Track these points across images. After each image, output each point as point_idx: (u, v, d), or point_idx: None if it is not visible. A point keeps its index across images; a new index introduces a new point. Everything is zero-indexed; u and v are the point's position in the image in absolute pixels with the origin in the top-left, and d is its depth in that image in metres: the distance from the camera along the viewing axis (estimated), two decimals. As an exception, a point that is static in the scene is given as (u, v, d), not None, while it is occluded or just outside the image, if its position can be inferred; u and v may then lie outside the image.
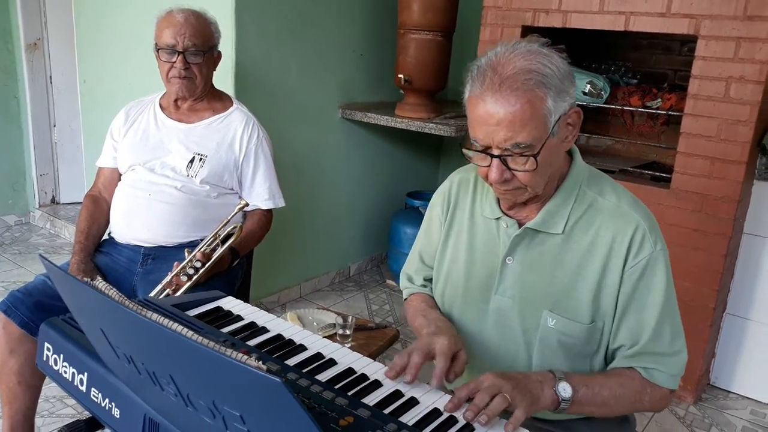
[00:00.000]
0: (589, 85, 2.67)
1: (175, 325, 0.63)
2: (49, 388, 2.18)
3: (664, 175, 2.54)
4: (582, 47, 2.94)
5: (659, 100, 2.66)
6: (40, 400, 1.84)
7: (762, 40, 2.17)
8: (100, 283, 0.73)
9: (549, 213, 1.17)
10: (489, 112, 1.04)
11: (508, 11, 2.72)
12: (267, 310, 1.31)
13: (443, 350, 1.08)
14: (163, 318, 0.65)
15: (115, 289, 0.72)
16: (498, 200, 1.23)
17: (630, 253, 1.13)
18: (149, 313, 0.66)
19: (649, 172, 2.65)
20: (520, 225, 1.20)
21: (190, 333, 0.62)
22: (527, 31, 2.69)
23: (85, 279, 0.73)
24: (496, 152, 1.07)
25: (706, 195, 2.36)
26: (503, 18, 2.74)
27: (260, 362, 0.58)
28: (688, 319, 2.40)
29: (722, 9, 2.22)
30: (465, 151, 1.12)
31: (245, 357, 0.57)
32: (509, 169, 1.08)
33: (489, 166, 1.09)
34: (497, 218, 1.23)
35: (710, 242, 2.38)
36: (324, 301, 3.24)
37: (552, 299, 1.17)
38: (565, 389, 1.06)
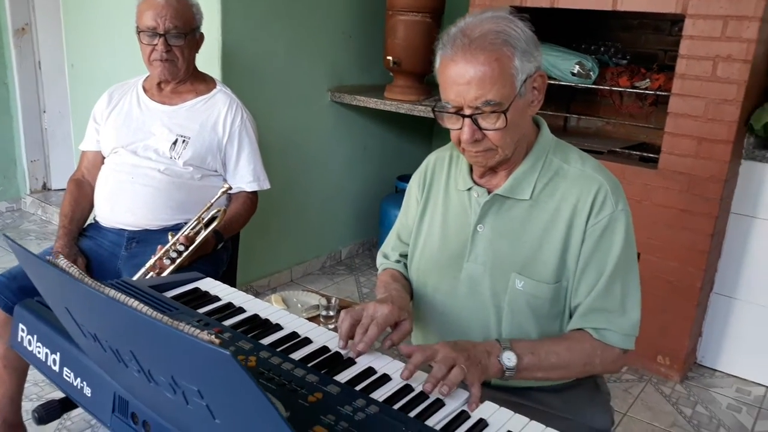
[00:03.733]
0: (577, 66, 2.65)
1: (131, 300, 0.63)
2: (36, 372, 2.19)
3: (652, 155, 2.54)
4: (571, 28, 2.92)
5: (648, 80, 2.65)
6: (29, 385, 1.85)
7: (749, 18, 2.16)
8: (61, 261, 0.73)
9: (516, 180, 1.21)
10: (460, 72, 1.09)
11: (496, -9, 2.69)
12: (257, 294, 1.31)
13: (379, 321, 1.10)
14: (119, 294, 0.65)
15: (75, 267, 0.72)
16: (470, 171, 1.27)
17: (592, 212, 1.17)
18: (106, 290, 0.66)
19: (638, 153, 2.64)
20: (490, 193, 1.23)
21: (145, 308, 0.62)
22: (516, 12, 2.66)
23: (48, 258, 0.73)
24: (467, 112, 1.11)
25: (693, 175, 2.36)
26: (491, -2, 2.72)
27: (213, 336, 0.58)
28: (674, 299, 2.43)
29: (710, -13, 2.21)
30: (437, 113, 1.16)
31: (196, 331, 0.58)
32: (480, 129, 1.12)
33: (461, 128, 1.13)
34: (469, 189, 1.26)
35: (697, 222, 2.38)
36: (314, 285, 3.24)
37: (520, 262, 1.20)
38: (509, 358, 1.09)
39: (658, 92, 2.58)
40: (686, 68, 2.32)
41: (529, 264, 1.20)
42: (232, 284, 1.61)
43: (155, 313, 0.61)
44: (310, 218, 3.32)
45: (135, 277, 1.72)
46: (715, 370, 2.63)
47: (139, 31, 1.93)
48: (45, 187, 4.12)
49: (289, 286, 3.22)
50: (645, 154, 2.60)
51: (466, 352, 1.04)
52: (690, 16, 2.27)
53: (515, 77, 1.10)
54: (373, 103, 3.10)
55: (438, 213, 1.33)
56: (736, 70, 2.22)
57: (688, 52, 2.31)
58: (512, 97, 1.10)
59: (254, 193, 2.07)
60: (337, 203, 3.48)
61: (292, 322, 1.19)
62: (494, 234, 1.23)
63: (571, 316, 1.22)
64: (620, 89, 2.70)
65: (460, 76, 1.09)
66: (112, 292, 0.65)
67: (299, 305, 1.88)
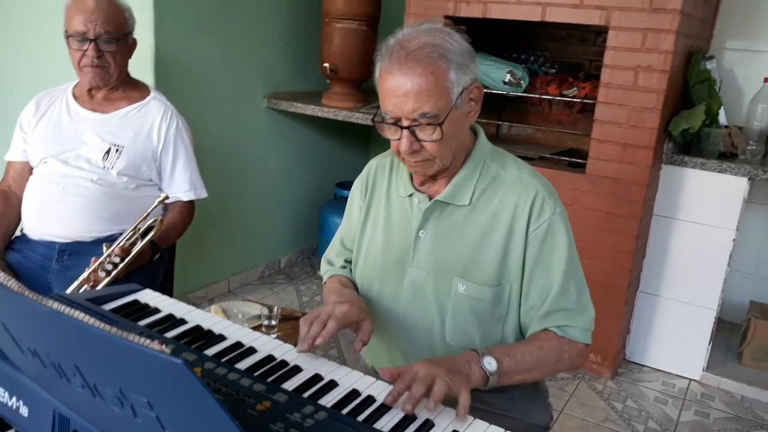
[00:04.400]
0: (509, 75, 2.74)
1: (76, 312, 0.62)
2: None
3: (580, 161, 2.65)
4: (503, 38, 3.01)
5: (575, 88, 2.76)
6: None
7: (666, 32, 2.29)
8: (-3, 274, 0.71)
9: (456, 186, 1.24)
10: (397, 84, 1.11)
11: (431, 1, 2.75)
12: (194, 306, 1.29)
13: (337, 315, 1.13)
14: (63, 306, 0.63)
15: (13, 280, 0.69)
16: (411, 178, 1.29)
17: (532, 217, 1.21)
18: (49, 302, 0.64)
19: (567, 159, 2.75)
20: (431, 199, 1.26)
21: (91, 320, 0.61)
22: (449, 21, 2.73)
23: (-18, 271, 0.70)
24: (405, 123, 1.14)
25: (618, 179, 2.48)
26: (426, 8, 2.77)
27: (163, 346, 0.57)
28: (604, 298, 2.54)
29: (630, 1, 2.33)
30: (377, 123, 1.18)
31: (147, 341, 0.57)
32: (418, 140, 1.15)
33: (399, 138, 1.15)
34: (410, 195, 1.29)
35: (622, 224, 2.50)
36: (253, 295, 3.20)
37: (461, 266, 1.23)
38: (490, 363, 1.11)
39: (584, 100, 2.70)
40: (610, 77, 2.44)
41: (469, 268, 1.23)
42: (169, 296, 1.57)
43: (103, 324, 0.60)
44: (247, 227, 3.28)
45: (68, 291, 1.66)
46: (643, 365, 2.76)
47: (67, 36, 1.86)
48: (-38, 199, 3.89)
49: (227, 297, 3.16)
50: (573, 160, 2.71)
51: (446, 366, 1.04)
52: (613, 28, 2.39)
53: (451, 90, 1.12)
54: (310, 110, 3.11)
55: (380, 219, 1.35)
56: (656, 79, 2.35)
57: (612, 62, 2.43)
58: (448, 109, 1.13)
59: (191, 202, 2.03)
60: (275, 211, 3.45)
61: (235, 332, 1.17)
62: (436, 239, 1.26)
63: (519, 320, 1.25)
64: (549, 97, 2.81)
65: (398, 87, 1.11)
66: (56, 305, 0.64)
67: (240, 315, 1.85)
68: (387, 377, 1.03)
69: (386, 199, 1.35)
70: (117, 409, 0.70)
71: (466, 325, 1.24)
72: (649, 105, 2.37)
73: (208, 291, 3.10)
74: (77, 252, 1.84)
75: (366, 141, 3.93)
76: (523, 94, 2.80)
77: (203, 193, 2.05)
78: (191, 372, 0.55)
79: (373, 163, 1.42)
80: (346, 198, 3.68)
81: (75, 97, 1.98)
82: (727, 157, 2.56)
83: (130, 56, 1.99)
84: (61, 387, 0.77)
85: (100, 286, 1.67)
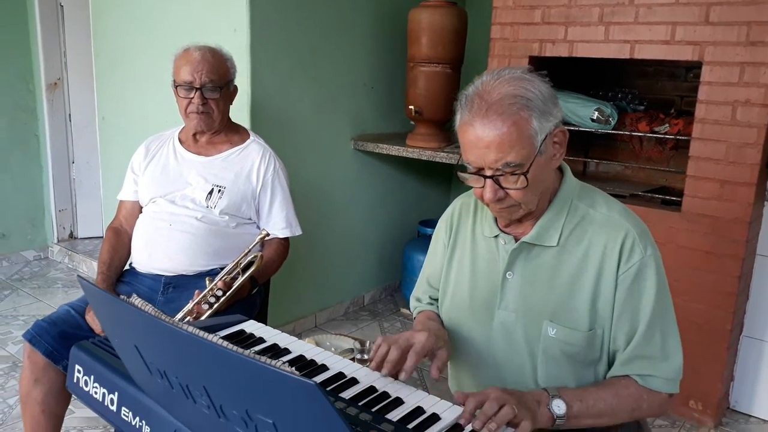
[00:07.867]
0: (597, 113, 2.71)
1: (212, 336, 0.67)
2: (71, 419, 2.20)
3: (674, 198, 2.57)
4: (589, 76, 2.99)
5: (667, 125, 2.69)
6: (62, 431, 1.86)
7: (765, 65, 2.21)
8: (136, 299, 0.77)
9: (543, 227, 1.23)
10: (478, 136, 1.11)
11: (515, 42, 2.78)
12: (289, 338, 1.34)
13: (417, 349, 1.15)
14: (198, 330, 0.68)
15: (150, 305, 0.75)
16: (495, 219, 1.29)
17: (622, 259, 1.18)
18: (184, 326, 0.70)
19: (660, 196, 2.67)
20: (517, 240, 1.25)
21: (225, 342, 0.65)
22: (534, 61, 2.75)
23: (122, 297, 0.77)
24: (488, 173, 1.14)
25: (717, 217, 2.38)
26: (510, 49, 2.80)
27: (293, 368, 0.61)
28: (704, 342, 2.42)
29: (725, 36, 2.27)
30: (460, 174, 1.19)
31: (279, 362, 0.61)
32: (502, 188, 1.14)
33: (483, 186, 1.15)
34: (496, 236, 1.29)
35: (723, 264, 2.38)
36: (339, 330, 3.25)
37: (551, 309, 1.22)
38: (559, 406, 1.11)
39: (678, 137, 2.63)
40: (705, 113, 2.37)
41: (560, 311, 1.21)
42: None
43: (236, 347, 0.64)
44: (333, 264, 3.36)
45: (173, 322, 1.75)
46: (750, 416, 2.58)
47: (176, 85, 2.01)
48: (72, 236, 4.20)
49: (313, 332, 3.23)
50: (667, 198, 2.63)
51: (516, 397, 1.06)
52: (707, 63, 2.33)
53: (534, 138, 1.11)
54: (395, 150, 3.17)
55: (466, 259, 1.35)
56: (756, 114, 2.26)
57: (707, 97, 2.36)
58: (532, 156, 1.12)
59: (286, 239, 2.11)
60: (359, 249, 3.52)
61: (336, 363, 1.21)
62: (523, 281, 1.25)
63: (610, 363, 1.23)
64: (640, 134, 2.75)
65: (479, 139, 1.11)
66: (191, 329, 0.69)
67: (333, 349, 1.89)
68: (460, 399, 1.06)
69: (471, 239, 1.35)
70: (240, 430, 0.73)
71: (558, 369, 1.22)
72: (749, 140, 2.28)
73: (295, 326, 3.18)
74: (181, 285, 1.94)
75: (448, 180, 3.96)
76: (612, 131, 2.76)
77: (298, 231, 2.12)
78: (323, 394, 0.58)
79: (457, 203, 1.43)
80: (429, 236, 3.68)
81: (181, 141, 2.12)
82: (836, 193, 2.41)
83: (231, 102, 2.12)
84: (186, 408, 0.82)
85: (202, 318, 1.75)
